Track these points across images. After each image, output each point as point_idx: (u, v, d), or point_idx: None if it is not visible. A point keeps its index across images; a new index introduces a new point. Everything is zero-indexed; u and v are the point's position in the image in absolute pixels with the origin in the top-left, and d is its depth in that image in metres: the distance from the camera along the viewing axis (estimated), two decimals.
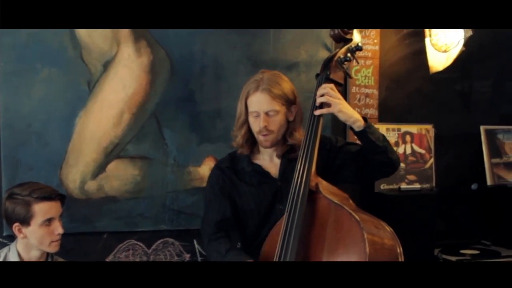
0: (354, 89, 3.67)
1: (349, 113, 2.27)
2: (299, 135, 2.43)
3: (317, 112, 2.28)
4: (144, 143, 3.27)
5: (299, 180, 2.17)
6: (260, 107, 2.34)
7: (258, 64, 3.39)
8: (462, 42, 3.85)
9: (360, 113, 3.57)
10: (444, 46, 3.83)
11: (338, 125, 3.49)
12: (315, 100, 2.32)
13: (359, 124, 2.27)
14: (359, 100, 3.69)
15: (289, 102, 2.39)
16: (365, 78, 3.69)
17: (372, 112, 3.72)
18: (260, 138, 2.39)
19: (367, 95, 3.71)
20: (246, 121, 2.41)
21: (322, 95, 2.27)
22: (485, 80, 4.11)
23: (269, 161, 2.48)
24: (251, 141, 2.46)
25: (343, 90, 3.65)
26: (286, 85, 2.39)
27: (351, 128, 2.30)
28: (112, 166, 3.22)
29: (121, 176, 3.24)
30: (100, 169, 3.20)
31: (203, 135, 3.34)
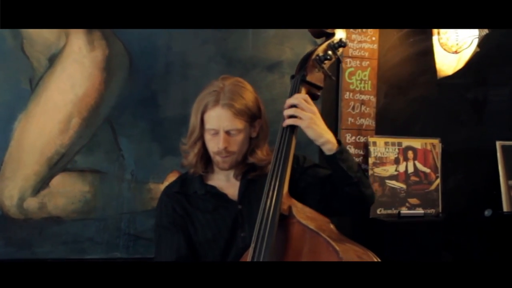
0: (347, 95, 3.69)
1: (319, 132, 2.23)
2: (262, 153, 2.42)
3: (285, 124, 2.25)
4: (96, 154, 3.25)
5: (268, 202, 2.13)
6: (220, 125, 2.30)
7: (233, 63, 3.42)
8: (476, 41, 3.88)
9: (354, 123, 3.67)
10: (454, 46, 3.86)
11: None
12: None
13: (329, 147, 2.24)
14: (353, 108, 3.70)
15: (253, 117, 2.37)
16: (361, 82, 3.71)
17: (369, 122, 3.74)
18: (217, 159, 2.37)
19: (362, 103, 3.73)
20: (201, 138, 2.38)
21: (292, 106, 2.25)
22: (502, 87, 4.15)
23: (225, 181, 2.47)
24: (205, 160, 2.44)
25: (334, 96, 3.68)
26: (251, 97, 2.36)
27: (321, 151, 2.29)
28: (57, 181, 3.19)
29: (67, 192, 3.22)
30: (42, 183, 3.17)
31: (166, 146, 3.32)
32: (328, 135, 2.24)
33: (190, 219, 2.41)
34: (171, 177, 3.28)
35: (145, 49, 3.30)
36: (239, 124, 2.31)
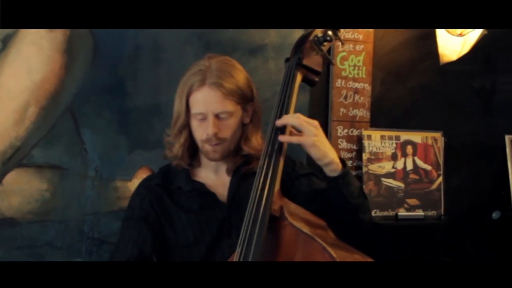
0: (339, 83, 3.69)
1: (324, 151, 2.16)
2: (257, 141, 2.40)
3: (284, 139, 2.18)
4: (56, 147, 3.23)
5: (257, 201, 2.10)
6: (209, 108, 2.27)
7: (211, 46, 3.40)
8: None
9: (346, 114, 3.67)
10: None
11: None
12: (279, 102, 2.26)
13: (333, 168, 2.18)
14: (345, 98, 3.70)
15: (245, 99, 2.35)
16: (354, 69, 3.71)
17: (363, 113, 3.75)
18: (206, 148, 2.33)
19: (356, 91, 3.73)
20: (187, 125, 2.35)
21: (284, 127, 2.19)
22: None
23: (215, 178, 2.44)
24: (192, 151, 2.42)
25: (324, 84, 3.68)
26: (241, 76, 2.34)
27: (321, 171, 2.25)
28: (11, 178, 3.17)
29: (23, 191, 3.19)
30: None
31: (135, 138, 3.32)
32: (333, 154, 2.18)
33: (169, 218, 2.38)
34: (141, 174, 3.28)
35: (111, 30, 3.26)
36: (230, 106, 2.29)
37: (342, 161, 2.21)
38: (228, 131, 2.32)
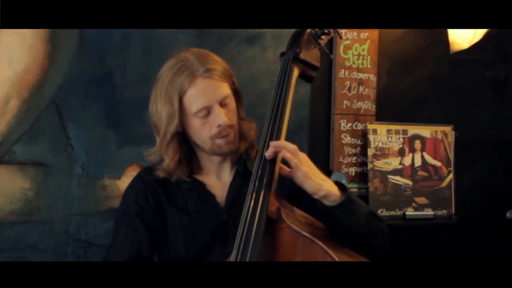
0: (342, 73, 3.67)
1: (318, 183, 2.06)
2: (250, 126, 2.41)
3: (285, 156, 2.07)
4: (40, 143, 3.22)
5: (253, 203, 2.06)
6: (211, 98, 2.24)
7: (205, 34, 3.39)
8: None
9: (350, 107, 3.66)
10: None
11: (319, 122, 3.49)
12: (275, 99, 2.21)
13: (333, 199, 2.08)
14: (349, 89, 3.69)
15: (231, 78, 2.34)
16: (359, 58, 3.69)
17: (368, 106, 3.73)
18: (218, 143, 2.30)
19: (360, 83, 3.71)
20: (175, 134, 2.30)
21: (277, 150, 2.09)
22: None
23: (216, 180, 2.42)
24: (187, 161, 2.38)
25: (327, 74, 3.66)
26: (218, 57, 2.33)
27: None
28: None
29: (4, 190, 3.18)
30: None
31: (124, 133, 3.32)
32: (328, 184, 2.09)
33: (161, 215, 2.36)
34: (130, 171, 3.27)
35: None
36: (227, 89, 2.29)
37: (342, 187, 2.13)
38: (234, 116, 2.31)
